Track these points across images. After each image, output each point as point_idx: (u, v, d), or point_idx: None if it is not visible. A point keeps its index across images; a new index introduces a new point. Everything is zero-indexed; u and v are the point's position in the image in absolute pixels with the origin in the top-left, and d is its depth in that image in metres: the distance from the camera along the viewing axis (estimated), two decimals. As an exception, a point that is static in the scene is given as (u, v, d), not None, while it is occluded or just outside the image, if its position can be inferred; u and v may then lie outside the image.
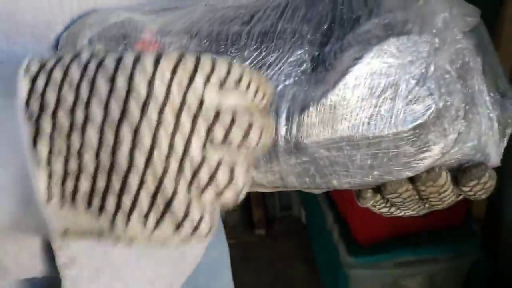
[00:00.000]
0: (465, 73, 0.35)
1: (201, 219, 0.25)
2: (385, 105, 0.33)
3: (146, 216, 0.25)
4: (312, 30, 0.35)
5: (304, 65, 0.34)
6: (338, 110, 0.33)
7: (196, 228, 0.25)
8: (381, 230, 1.39)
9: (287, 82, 0.34)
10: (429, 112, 0.32)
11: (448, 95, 0.33)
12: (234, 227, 2.03)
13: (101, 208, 0.25)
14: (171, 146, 0.24)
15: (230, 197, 0.26)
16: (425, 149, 0.34)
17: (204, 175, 0.25)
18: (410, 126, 0.32)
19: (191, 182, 0.25)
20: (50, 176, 0.24)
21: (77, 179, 0.24)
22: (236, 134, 0.25)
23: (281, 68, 0.34)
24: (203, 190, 0.25)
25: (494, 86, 0.37)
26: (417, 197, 0.38)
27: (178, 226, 0.25)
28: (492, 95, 0.36)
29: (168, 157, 0.24)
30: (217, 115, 0.24)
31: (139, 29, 0.36)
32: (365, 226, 1.39)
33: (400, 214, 0.41)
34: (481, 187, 0.38)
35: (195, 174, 0.24)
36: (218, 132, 0.24)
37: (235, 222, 2.04)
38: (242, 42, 0.35)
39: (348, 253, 1.37)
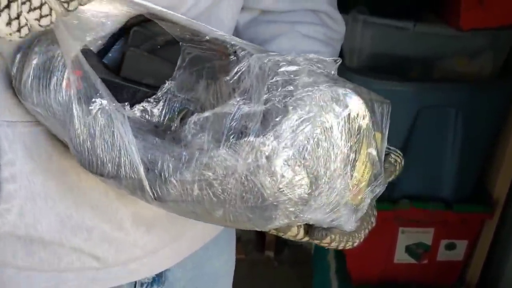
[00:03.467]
0: (313, 163, 0.39)
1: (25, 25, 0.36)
2: (226, 187, 0.39)
3: None
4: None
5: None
6: (193, 183, 0.39)
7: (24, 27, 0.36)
8: (375, 272, 1.46)
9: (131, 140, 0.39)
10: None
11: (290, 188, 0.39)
12: (246, 244, 2.12)
13: None
14: None
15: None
16: (266, 221, 0.41)
17: None
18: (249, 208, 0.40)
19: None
20: None
21: None
22: None
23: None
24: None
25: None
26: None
27: (9, 23, 0.35)
28: (350, 179, 0.42)
29: None
30: None
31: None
32: (361, 266, 1.46)
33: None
34: (327, 244, 0.48)
35: None
36: None
37: (247, 239, 2.12)
38: None
39: None
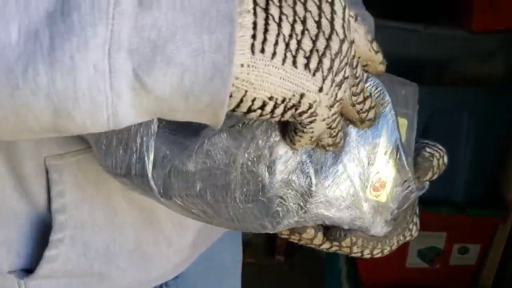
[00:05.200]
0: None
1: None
2: (227, 177, 0.36)
3: (340, 80, 0.30)
4: None
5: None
6: (195, 174, 0.37)
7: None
8: (387, 277, 1.45)
9: (151, 137, 0.37)
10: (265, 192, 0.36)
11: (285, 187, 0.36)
12: (256, 248, 2.11)
13: (317, 68, 0.28)
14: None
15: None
16: (274, 218, 0.37)
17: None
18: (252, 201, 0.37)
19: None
20: (264, 39, 0.27)
21: (300, 41, 0.27)
22: None
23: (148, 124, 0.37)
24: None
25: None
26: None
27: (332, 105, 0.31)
28: (368, 169, 0.37)
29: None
30: None
31: None
32: (373, 270, 1.45)
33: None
34: (348, 248, 0.42)
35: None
36: None
37: (258, 243, 2.12)
38: None
39: (350, 293, 1.44)
